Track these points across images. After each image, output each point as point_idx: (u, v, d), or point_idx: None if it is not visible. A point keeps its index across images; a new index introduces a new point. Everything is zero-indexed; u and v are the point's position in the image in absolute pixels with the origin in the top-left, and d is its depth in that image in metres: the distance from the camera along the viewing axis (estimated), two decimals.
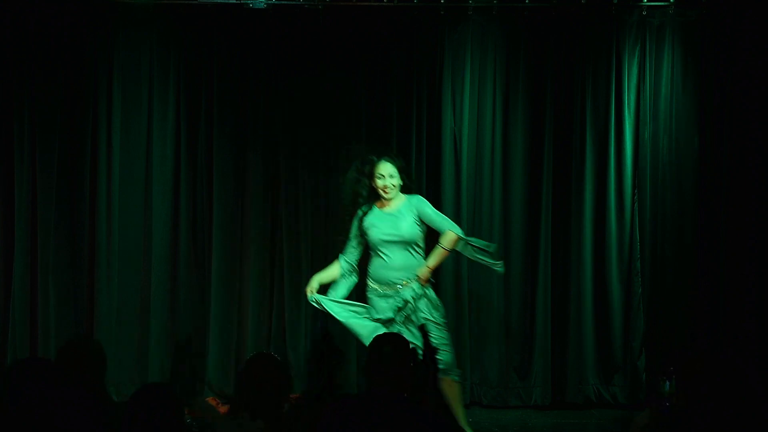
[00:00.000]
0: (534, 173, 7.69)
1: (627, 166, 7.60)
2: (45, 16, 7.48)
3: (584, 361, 7.65)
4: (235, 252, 7.70)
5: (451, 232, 6.50)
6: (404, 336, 5.06)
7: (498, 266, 6.60)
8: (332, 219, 7.73)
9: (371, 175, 6.58)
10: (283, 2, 7.52)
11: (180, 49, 7.67)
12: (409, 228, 6.51)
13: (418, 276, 6.48)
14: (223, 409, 7.17)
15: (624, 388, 7.61)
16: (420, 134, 7.71)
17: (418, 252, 6.57)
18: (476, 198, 7.70)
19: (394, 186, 6.55)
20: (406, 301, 6.42)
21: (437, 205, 7.63)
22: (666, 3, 7.57)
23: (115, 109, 7.61)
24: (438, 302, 6.59)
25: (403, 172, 6.62)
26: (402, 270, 6.50)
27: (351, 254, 6.69)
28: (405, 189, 6.64)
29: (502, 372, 7.68)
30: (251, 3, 7.51)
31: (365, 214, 6.61)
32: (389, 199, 6.57)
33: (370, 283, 6.58)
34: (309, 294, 6.57)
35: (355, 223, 6.65)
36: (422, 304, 6.48)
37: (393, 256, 6.50)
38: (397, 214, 6.55)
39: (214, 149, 7.67)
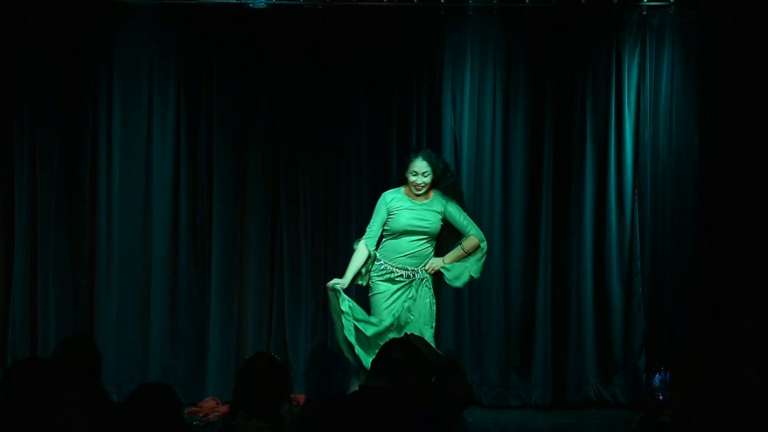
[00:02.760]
0: (534, 173, 7.69)
1: (627, 165, 7.60)
2: (45, 16, 7.48)
3: (584, 361, 7.65)
4: (235, 252, 7.70)
5: (475, 238, 6.66)
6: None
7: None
8: (332, 219, 7.74)
9: (406, 168, 6.69)
10: (283, 2, 7.52)
11: (180, 49, 7.67)
12: (433, 224, 6.64)
13: (427, 268, 6.63)
14: (222, 408, 7.19)
15: (624, 388, 7.61)
16: (420, 134, 7.71)
17: (432, 245, 6.69)
18: (476, 198, 7.69)
19: (426, 184, 6.64)
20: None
21: None
22: (666, 3, 7.57)
23: (115, 109, 7.61)
24: (434, 311, 6.67)
25: (441, 172, 6.68)
26: (416, 258, 6.63)
27: (374, 237, 6.72)
28: (449, 190, 6.72)
29: (502, 372, 7.68)
30: (251, 3, 7.51)
31: (393, 199, 6.70)
32: (418, 195, 6.68)
33: (380, 264, 6.65)
34: (337, 291, 6.55)
35: (382, 207, 6.70)
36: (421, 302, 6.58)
37: (412, 244, 6.62)
38: (426, 206, 6.66)
39: (214, 149, 7.67)
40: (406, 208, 6.65)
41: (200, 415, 7.17)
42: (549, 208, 7.65)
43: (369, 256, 6.69)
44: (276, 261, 7.75)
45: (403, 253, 6.62)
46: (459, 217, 6.68)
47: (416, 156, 6.68)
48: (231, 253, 7.68)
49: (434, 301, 6.69)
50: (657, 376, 7.07)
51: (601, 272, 7.65)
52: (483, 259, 6.70)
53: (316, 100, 7.68)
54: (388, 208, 6.68)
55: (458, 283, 6.75)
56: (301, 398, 7.48)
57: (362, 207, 7.64)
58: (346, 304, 6.53)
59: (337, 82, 7.69)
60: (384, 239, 6.70)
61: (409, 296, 6.61)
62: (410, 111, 7.70)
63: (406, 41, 7.68)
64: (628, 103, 7.60)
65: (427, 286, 6.64)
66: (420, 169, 6.63)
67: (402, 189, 6.74)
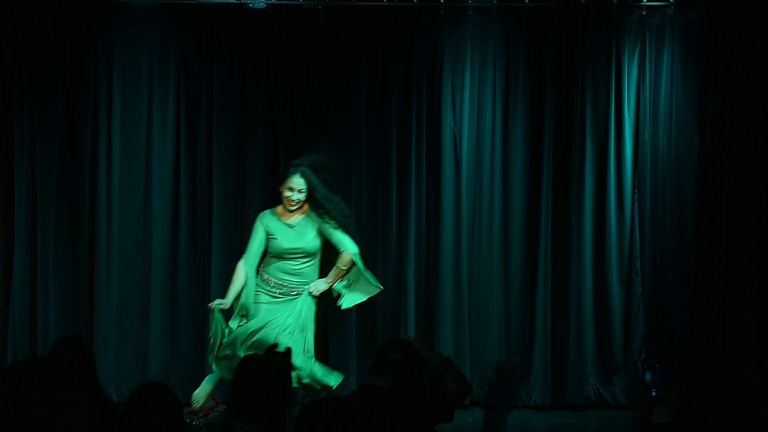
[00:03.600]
0: (534, 173, 7.68)
1: (627, 165, 7.59)
2: (45, 15, 7.48)
3: (584, 361, 7.64)
4: (234, 252, 7.66)
5: (347, 253, 6.70)
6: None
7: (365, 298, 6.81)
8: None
9: (283, 182, 6.73)
10: (282, 2, 7.52)
11: (180, 48, 7.66)
12: (311, 242, 6.70)
13: (311, 290, 6.69)
14: (221, 408, 7.18)
15: (624, 388, 7.61)
16: (420, 134, 7.71)
17: (313, 261, 6.76)
18: (476, 198, 7.69)
19: (299, 201, 6.69)
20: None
21: (437, 204, 7.66)
22: (666, 3, 7.56)
23: (115, 109, 7.61)
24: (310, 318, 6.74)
25: (317, 190, 6.68)
26: (299, 276, 6.71)
27: (254, 258, 6.76)
28: (321, 207, 6.71)
29: (503, 372, 7.68)
30: (251, 3, 7.50)
31: (269, 221, 6.75)
32: (291, 212, 6.71)
33: (264, 283, 6.71)
34: (216, 310, 6.58)
35: (260, 229, 6.76)
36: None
37: (293, 264, 6.70)
38: (301, 225, 6.71)
39: (214, 149, 7.67)
40: (282, 231, 6.70)
41: (200, 415, 7.16)
42: (549, 207, 7.65)
43: (246, 278, 6.70)
44: None
45: (286, 271, 6.69)
46: (333, 233, 6.70)
47: (294, 172, 6.70)
48: (231, 253, 7.65)
49: (314, 309, 6.74)
50: (649, 373, 7.10)
51: (600, 272, 7.64)
52: (365, 271, 6.72)
53: (316, 99, 7.68)
54: (266, 231, 6.73)
55: (349, 304, 6.79)
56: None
57: (361, 206, 7.64)
58: (220, 327, 6.57)
59: (337, 82, 7.68)
60: (266, 257, 6.76)
61: (286, 307, 6.66)
62: (410, 111, 7.70)
63: (405, 41, 7.68)
64: (627, 103, 7.60)
65: (310, 302, 6.70)
66: (297, 185, 6.66)
67: (277, 209, 6.78)
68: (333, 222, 6.71)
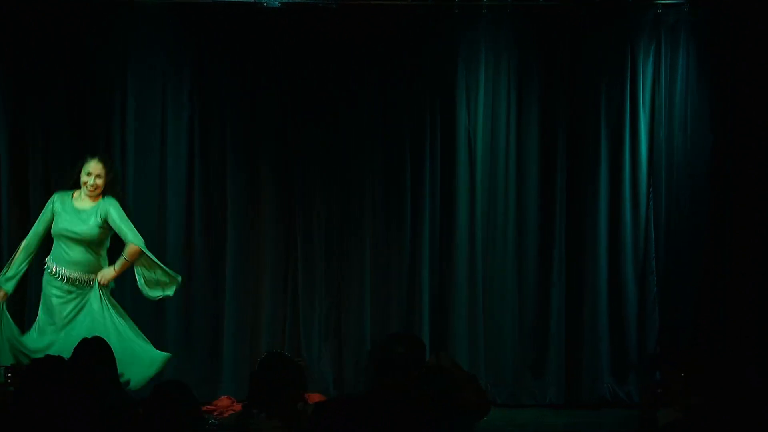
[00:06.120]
0: (548, 172, 7.68)
1: (642, 164, 7.59)
2: (59, 16, 7.49)
3: (599, 359, 7.64)
4: (249, 251, 7.71)
5: (133, 245, 6.58)
6: None
7: (170, 290, 6.75)
8: (346, 218, 7.73)
9: (80, 169, 6.61)
10: (297, 1, 7.53)
11: (194, 48, 7.68)
12: (90, 230, 6.53)
13: (100, 278, 6.57)
14: (237, 407, 7.20)
15: (639, 387, 7.59)
16: (434, 133, 7.71)
17: (99, 252, 6.63)
18: (490, 197, 7.69)
19: (97, 186, 6.58)
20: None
21: (451, 203, 7.65)
22: (681, 1, 7.55)
23: (129, 108, 7.63)
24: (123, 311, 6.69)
25: (110, 174, 6.64)
26: (80, 266, 6.54)
27: (33, 237, 6.66)
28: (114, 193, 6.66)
29: (517, 371, 7.68)
30: (265, 2, 7.51)
31: (59, 200, 6.63)
32: (91, 197, 6.60)
33: (55, 276, 6.56)
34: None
35: (48, 207, 6.64)
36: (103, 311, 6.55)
37: (71, 252, 6.55)
38: (84, 212, 6.59)
39: (228, 148, 7.68)
40: (66, 212, 6.58)
41: (215, 413, 7.19)
42: (563, 206, 7.65)
43: (26, 257, 6.64)
44: (290, 260, 7.75)
45: (70, 262, 6.55)
46: (118, 222, 6.57)
47: (92, 157, 6.63)
48: (245, 252, 7.68)
49: (110, 303, 6.63)
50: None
51: (615, 271, 7.64)
52: (159, 267, 6.65)
53: (330, 98, 7.68)
54: (53, 209, 6.61)
55: (153, 294, 6.72)
56: (316, 397, 7.48)
57: (376, 203, 7.66)
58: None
59: (351, 82, 7.69)
60: (54, 243, 6.62)
61: (81, 305, 6.58)
62: (424, 110, 7.70)
63: (419, 40, 7.68)
64: (642, 102, 7.59)
65: (103, 293, 6.57)
66: (95, 170, 6.57)
67: (73, 192, 6.66)
68: (117, 207, 6.59)
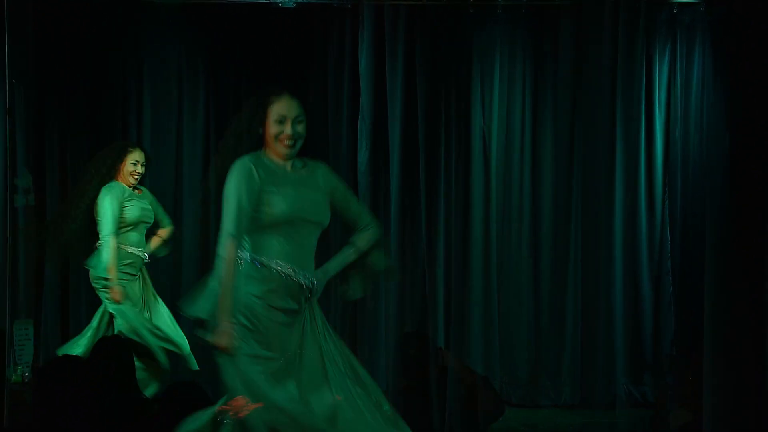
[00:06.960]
0: (564, 171, 7.67)
1: (658, 164, 7.58)
2: (74, 16, 7.52)
3: (614, 360, 7.60)
4: None
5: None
6: None
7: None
8: None
9: (120, 161, 6.73)
10: (312, 1, 7.53)
11: (209, 48, 7.70)
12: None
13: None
14: (251, 406, 7.20)
15: (654, 387, 7.58)
16: (449, 132, 7.70)
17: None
18: (505, 196, 7.69)
19: (142, 173, 6.75)
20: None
21: (466, 203, 7.64)
22: (697, 0, 7.52)
23: (145, 108, 7.66)
24: None
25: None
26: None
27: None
28: None
29: (532, 371, 7.67)
30: (280, 2, 7.52)
31: (121, 192, 6.73)
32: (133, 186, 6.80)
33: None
34: None
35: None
36: None
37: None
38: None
39: None
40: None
41: (230, 413, 7.18)
42: (578, 206, 7.64)
43: None
44: None
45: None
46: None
47: (133, 147, 6.77)
48: None
49: None
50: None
51: (631, 271, 7.62)
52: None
53: (344, 98, 7.68)
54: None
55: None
56: None
57: (388, 200, 7.66)
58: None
59: (366, 81, 7.68)
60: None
61: None
62: (439, 109, 7.68)
63: (435, 39, 7.67)
64: (658, 102, 7.57)
65: None
66: (141, 158, 6.73)
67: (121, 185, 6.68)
68: None
